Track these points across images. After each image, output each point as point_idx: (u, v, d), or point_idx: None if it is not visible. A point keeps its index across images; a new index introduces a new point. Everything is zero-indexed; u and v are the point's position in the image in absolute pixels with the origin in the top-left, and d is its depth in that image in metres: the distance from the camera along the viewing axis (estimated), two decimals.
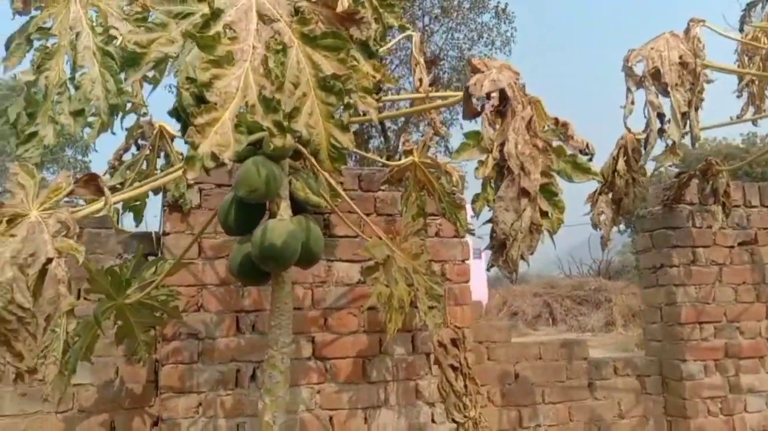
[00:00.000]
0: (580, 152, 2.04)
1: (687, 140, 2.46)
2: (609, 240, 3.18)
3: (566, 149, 2.06)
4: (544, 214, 1.97)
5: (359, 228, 2.95)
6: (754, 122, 3.28)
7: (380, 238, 2.76)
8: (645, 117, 2.33)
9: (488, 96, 1.52)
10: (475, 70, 1.52)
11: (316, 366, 2.97)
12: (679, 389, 3.65)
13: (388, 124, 13.44)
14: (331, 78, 1.37)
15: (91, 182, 1.40)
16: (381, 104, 1.57)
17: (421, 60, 2.31)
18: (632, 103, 2.31)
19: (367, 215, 3.19)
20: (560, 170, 2.05)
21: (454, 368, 2.24)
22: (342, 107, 1.36)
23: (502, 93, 1.49)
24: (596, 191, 3.15)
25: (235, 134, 1.26)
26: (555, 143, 2.08)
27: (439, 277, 3.04)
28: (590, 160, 2.08)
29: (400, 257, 2.73)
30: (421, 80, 2.27)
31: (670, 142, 2.24)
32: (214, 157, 1.23)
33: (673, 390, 3.69)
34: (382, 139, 14.18)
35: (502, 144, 1.49)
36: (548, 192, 2.00)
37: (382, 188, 3.19)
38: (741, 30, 3.60)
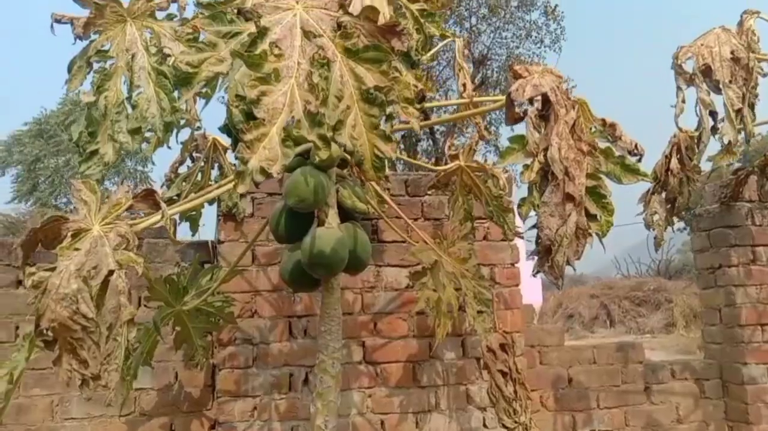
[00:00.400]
0: (629, 152, 2.02)
1: (741, 137, 2.39)
2: (662, 240, 3.11)
3: (614, 151, 2.04)
4: (592, 217, 1.96)
5: (407, 233, 2.98)
6: None
7: (426, 243, 2.78)
8: (697, 115, 2.28)
9: (531, 101, 1.52)
10: (517, 76, 1.52)
11: (367, 371, 3.01)
12: (740, 393, 3.52)
13: (436, 126, 13.43)
14: (373, 90, 1.40)
15: (148, 197, 1.47)
16: (424, 111, 1.59)
17: (464, 65, 2.32)
18: (683, 101, 2.26)
19: (415, 219, 3.23)
20: (609, 171, 2.03)
21: (503, 373, 2.23)
22: (384, 118, 1.39)
23: (545, 97, 1.49)
24: (649, 190, 3.08)
25: (282, 148, 1.31)
26: (603, 145, 2.06)
27: (488, 281, 3.04)
28: (639, 161, 2.05)
29: (447, 262, 2.74)
30: (464, 85, 2.28)
31: (725, 140, 2.18)
32: (263, 171, 1.28)
33: (734, 395, 3.57)
34: (430, 141, 14.18)
35: (546, 149, 1.49)
36: (597, 195, 1.98)
37: (429, 192, 3.20)
38: None
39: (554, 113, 1.47)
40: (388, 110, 1.39)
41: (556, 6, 13.29)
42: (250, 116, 1.33)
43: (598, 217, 1.97)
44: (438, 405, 3.06)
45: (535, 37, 13.39)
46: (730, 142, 2.15)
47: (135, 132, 1.69)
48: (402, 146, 14.45)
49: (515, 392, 2.22)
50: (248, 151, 1.28)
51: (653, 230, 3.09)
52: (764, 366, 3.54)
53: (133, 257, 1.40)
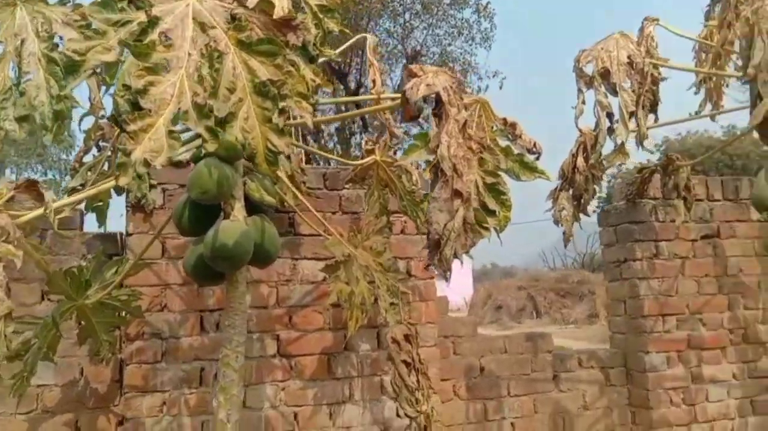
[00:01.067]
0: (528, 151, 2.10)
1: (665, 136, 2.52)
2: (571, 235, 3.24)
3: (514, 149, 2.11)
4: (491, 212, 2.02)
5: (324, 227, 2.99)
6: (712, 118, 3.34)
7: (341, 236, 2.80)
8: (595, 116, 2.39)
9: (425, 100, 1.56)
10: (412, 75, 1.56)
11: (281, 364, 3.01)
12: (642, 380, 3.72)
13: (371, 121, 13.46)
14: (267, 83, 1.40)
15: (31, 188, 1.42)
16: (329, 106, 1.59)
17: (375, 62, 2.34)
18: (583, 103, 2.36)
19: (333, 213, 3.24)
20: (508, 169, 2.10)
21: (407, 364, 2.28)
22: (278, 112, 1.39)
23: (438, 97, 1.53)
24: (557, 187, 3.20)
25: (168, 140, 1.29)
26: (503, 143, 2.13)
27: (402, 274, 3.09)
28: (537, 159, 2.13)
29: (362, 255, 2.77)
30: (374, 81, 2.30)
31: (618, 141, 2.29)
32: (146, 163, 1.26)
33: (637, 382, 3.77)
34: (364, 136, 14.19)
35: (437, 146, 1.53)
36: (496, 191, 2.05)
37: (347, 186, 3.22)
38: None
39: (445, 112, 1.52)
40: (282, 104, 1.39)
41: (487, 4, 13.54)
42: (136, 106, 1.30)
43: (497, 212, 2.04)
44: (352, 396, 3.09)
45: (467, 35, 13.60)
46: (623, 142, 2.26)
47: (23, 120, 1.62)
48: (336, 140, 14.41)
49: (418, 382, 2.28)
50: (132, 142, 1.26)
51: (562, 225, 3.22)
52: (664, 355, 3.75)
53: (11, 251, 1.35)
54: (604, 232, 4.09)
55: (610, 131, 2.33)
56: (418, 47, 13.64)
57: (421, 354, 3.22)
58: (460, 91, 1.56)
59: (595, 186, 3.21)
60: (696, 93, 3.30)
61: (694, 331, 3.83)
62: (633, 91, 2.29)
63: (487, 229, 2.03)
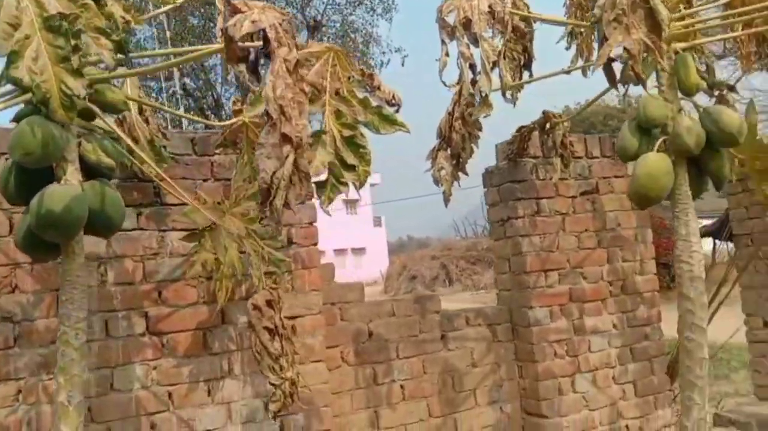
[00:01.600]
0: (387, 103, 2.02)
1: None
2: (450, 195, 3.22)
3: (372, 101, 2.03)
4: (350, 167, 1.94)
5: (195, 195, 2.81)
6: (583, 72, 3.40)
7: (206, 203, 2.64)
8: (458, 68, 2.34)
9: (252, 37, 1.43)
10: (236, 11, 1.43)
11: (151, 342, 2.83)
12: (527, 335, 3.81)
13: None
14: (58, 18, 1.23)
15: None
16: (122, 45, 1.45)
17: (223, 8, 2.17)
18: (447, 55, 2.31)
19: (204, 180, 3.07)
20: (368, 122, 2.01)
21: (269, 330, 2.18)
22: (72, 50, 1.23)
23: (264, 35, 1.41)
24: (435, 147, 3.17)
25: None
26: (361, 95, 2.04)
27: (280, 241, 2.98)
28: (397, 111, 2.06)
29: (231, 223, 2.63)
30: (222, 30, 2.14)
31: (481, 93, 2.26)
32: None
33: (522, 336, 3.86)
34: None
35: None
36: (354, 144, 1.96)
37: (218, 151, 3.05)
38: None
39: (272, 51, 1.40)
40: (75, 41, 1.23)
41: None
42: None
43: (356, 167, 1.96)
44: (231, 371, 2.97)
45: (367, 5, 13.45)
46: (486, 94, 2.23)
47: None
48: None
49: (282, 348, 2.19)
50: None
51: (441, 185, 3.19)
52: (547, 309, 3.85)
53: None
54: (489, 192, 4.12)
55: (474, 82, 2.29)
56: (319, 17, 13.36)
57: (306, 321, 3.14)
58: (293, 30, 1.45)
59: (472, 145, 3.20)
60: (567, 48, 3.34)
61: (575, 284, 3.96)
62: (494, 40, 2.25)
63: (345, 184, 1.95)
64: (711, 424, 2.53)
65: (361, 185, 1.97)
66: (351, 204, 44.08)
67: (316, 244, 3.25)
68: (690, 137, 2.44)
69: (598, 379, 3.92)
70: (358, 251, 43.21)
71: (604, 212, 4.11)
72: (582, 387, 3.86)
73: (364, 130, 2.00)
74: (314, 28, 13.22)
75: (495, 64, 2.22)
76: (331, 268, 3.44)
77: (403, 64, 14.13)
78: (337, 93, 1.92)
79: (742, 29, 3.32)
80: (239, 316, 3.02)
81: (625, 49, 1.89)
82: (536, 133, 3.76)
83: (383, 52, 13.79)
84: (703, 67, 3.42)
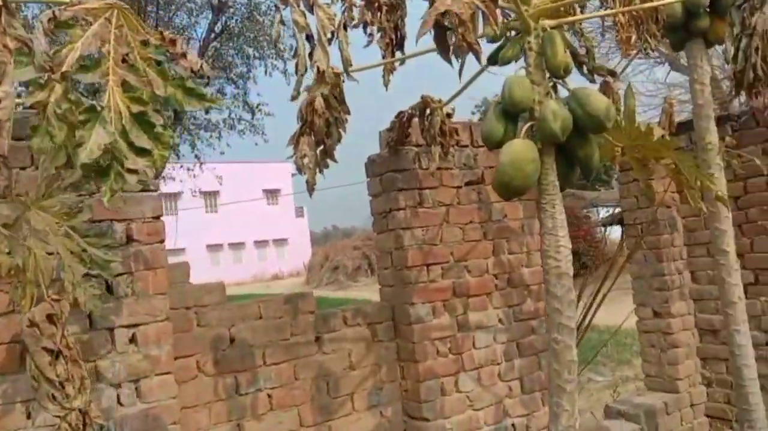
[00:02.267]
0: (194, 73, 1.69)
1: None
2: (315, 184, 2.93)
3: (170, 72, 1.69)
4: (142, 151, 1.60)
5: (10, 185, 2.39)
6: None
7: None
8: (296, 39, 2.04)
9: None
10: None
11: None
12: (408, 333, 3.59)
13: None
14: None
15: None
16: None
17: None
18: (281, 23, 2.00)
19: (23, 169, 2.64)
20: (168, 96, 1.68)
21: (49, 351, 1.83)
22: None
23: None
24: (296, 132, 2.87)
25: None
26: (162, 63, 1.71)
27: (111, 238, 2.60)
28: (207, 85, 1.74)
29: (38, 218, 2.23)
30: None
31: (318, 69, 1.97)
32: None
33: (404, 335, 3.63)
34: None
35: None
36: (146, 123, 1.63)
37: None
38: None
39: None
40: None
41: None
42: None
43: (150, 151, 1.63)
44: None
45: None
46: (322, 71, 1.94)
47: None
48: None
49: (67, 372, 1.83)
50: None
51: (304, 173, 2.90)
52: (430, 305, 3.63)
53: None
54: (371, 182, 3.86)
55: (311, 56, 1.99)
56: None
57: (149, 330, 2.78)
58: None
59: (339, 130, 2.92)
60: None
61: (459, 278, 3.77)
62: (331, 8, 1.96)
63: (135, 172, 1.61)
64: None
65: (158, 173, 1.64)
66: (272, 194, 43.21)
67: (162, 241, 2.88)
68: (555, 122, 2.25)
69: (483, 377, 3.75)
70: (280, 242, 42.40)
71: (490, 203, 3.93)
72: (466, 386, 3.68)
73: None
74: (219, 10, 12.58)
75: (334, 35, 1.93)
76: (186, 267, 3.08)
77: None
78: (124, 60, 1.58)
79: (623, 13, 3.19)
80: (69, 325, 2.62)
81: (454, 14, 1.64)
82: (417, 120, 3.52)
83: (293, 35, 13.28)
84: (582, 50, 3.29)
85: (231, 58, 12.57)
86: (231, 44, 13.13)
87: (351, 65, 2.08)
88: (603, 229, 17.25)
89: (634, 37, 3.40)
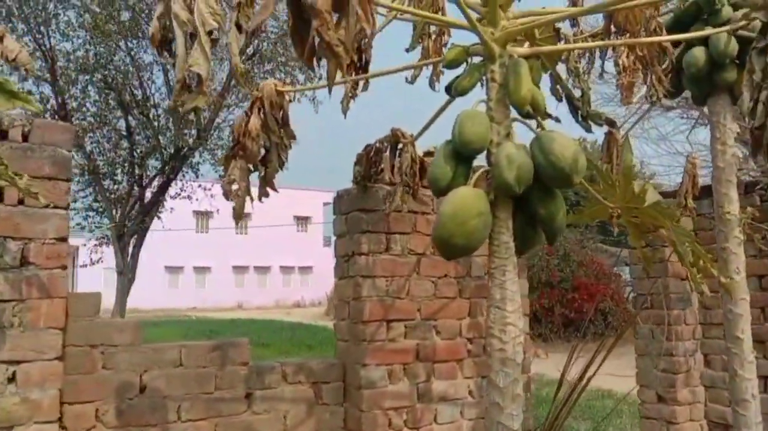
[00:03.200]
0: (8, 61, 1.31)
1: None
2: (242, 213, 2.52)
3: None
4: None
5: None
6: (431, 84, 2.76)
7: None
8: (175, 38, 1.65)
9: None
10: None
11: None
12: (357, 398, 3.11)
13: None
14: None
15: None
16: None
17: None
18: (160, 18, 1.62)
19: None
20: None
21: None
22: None
23: None
24: (227, 153, 2.48)
25: None
26: None
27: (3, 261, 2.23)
28: (25, 79, 1.34)
29: None
30: None
31: (195, 74, 1.57)
32: None
33: (353, 399, 3.16)
34: None
35: None
36: None
37: None
38: None
39: None
40: None
41: None
42: None
43: None
44: None
45: None
46: (200, 77, 1.54)
47: None
48: None
49: None
50: None
51: (232, 200, 2.50)
52: (386, 368, 3.16)
53: None
54: (337, 220, 3.44)
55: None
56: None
57: (33, 369, 2.38)
58: None
59: (281, 157, 2.52)
60: (408, 49, 2.70)
61: (425, 340, 3.28)
62: (216, 2, 1.57)
63: None
64: None
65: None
66: (302, 221, 43.05)
67: (64, 267, 2.50)
68: (510, 170, 1.80)
69: None
70: (306, 269, 42.05)
71: (470, 256, 3.46)
72: None
73: None
74: (252, 33, 12.46)
75: (212, 34, 1.53)
76: (95, 299, 2.68)
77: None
78: None
79: (627, 54, 2.74)
80: None
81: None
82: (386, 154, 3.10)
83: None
84: (577, 92, 2.84)
85: (260, 81, 12.44)
86: (262, 67, 13.05)
87: (242, 74, 1.67)
88: (631, 289, 16.45)
89: (638, 87, 2.94)
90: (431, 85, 2.69)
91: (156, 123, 12.48)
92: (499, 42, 1.95)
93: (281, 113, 2.43)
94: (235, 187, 2.44)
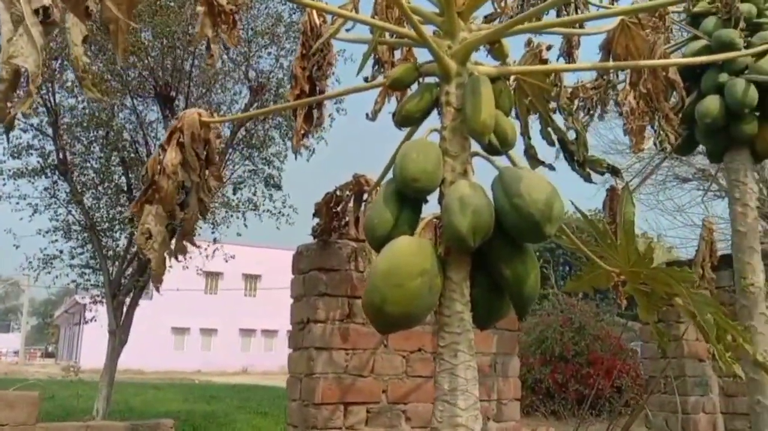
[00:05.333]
0: None
1: None
2: (162, 272, 2.08)
3: None
4: None
5: None
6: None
7: None
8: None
9: None
10: None
11: None
12: None
13: None
14: None
15: None
16: None
17: None
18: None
19: None
20: None
21: None
22: None
23: None
24: (139, 197, 2.06)
25: None
26: None
27: None
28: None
29: None
30: None
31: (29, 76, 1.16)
32: None
33: None
34: None
35: None
36: None
37: None
38: None
39: None
40: None
41: None
42: None
43: None
44: None
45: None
46: (35, 76, 1.13)
47: None
48: None
49: None
50: None
51: (147, 256, 2.06)
52: None
53: None
54: (295, 280, 2.98)
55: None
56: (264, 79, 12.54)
57: None
58: None
59: (203, 200, 2.09)
60: (367, 79, 2.30)
61: (392, 428, 2.76)
62: None
63: None
64: None
65: None
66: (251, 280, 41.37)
67: None
68: (463, 216, 1.35)
69: None
70: (270, 333, 40.18)
71: None
72: None
73: None
74: (256, 91, 12.36)
75: (52, 15, 1.13)
76: None
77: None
78: None
79: (629, 90, 2.33)
80: None
81: None
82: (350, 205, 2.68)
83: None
84: (571, 135, 2.41)
85: (262, 137, 12.24)
86: (265, 124, 12.86)
87: (85, 71, 1.26)
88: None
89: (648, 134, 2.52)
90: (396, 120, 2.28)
91: None
92: (456, 58, 1.54)
93: (205, 147, 2.03)
94: (150, 240, 2.01)
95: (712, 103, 2.87)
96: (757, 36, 2.88)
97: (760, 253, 2.81)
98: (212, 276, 36.12)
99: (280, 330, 40.28)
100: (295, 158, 2.29)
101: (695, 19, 3.03)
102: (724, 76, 2.88)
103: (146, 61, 11.47)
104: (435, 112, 1.66)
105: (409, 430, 2.78)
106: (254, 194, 12.44)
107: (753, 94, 2.77)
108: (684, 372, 3.63)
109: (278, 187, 12.51)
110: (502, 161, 1.63)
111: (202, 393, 17.13)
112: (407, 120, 1.60)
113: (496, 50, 1.65)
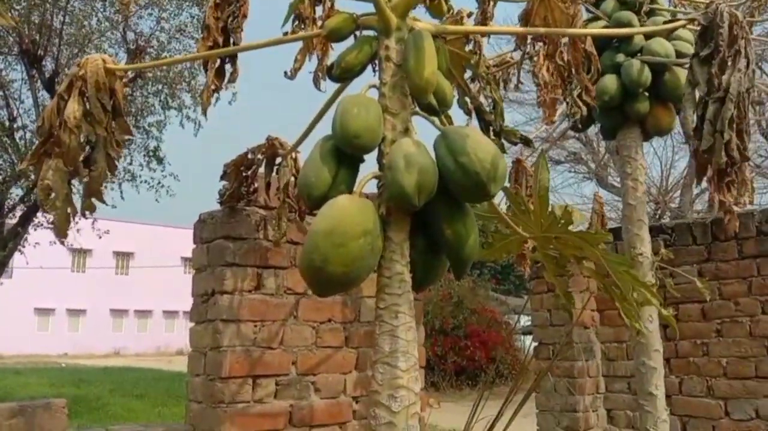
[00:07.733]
0: None
1: None
2: (66, 231, 1.87)
3: None
4: None
5: None
6: (316, 82, 2.28)
7: None
8: None
9: None
10: None
11: None
12: None
13: None
14: None
15: None
16: None
17: None
18: None
19: None
20: None
21: None
22: None
23: None
24: (35, 149, 1.84)
25: None
26: None
27: None
28: None
29: None
30: None
31: None
32: None
33: None
34: None
35: None
36: None
37: None
38: None
39: None
40: None
41: None
42: None
43: None
44: None
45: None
46: None
47: None
48: None
49: None
50: None
51: (49, 213, 1.86)
52: None
53: None
54: (197, 250, 2.82)
55: None
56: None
57: None
58: None
59: (111, 156, 1.90)
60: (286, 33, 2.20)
61: (301, 400, 2.70)
62: None
63: None
64: None
65: None
66: (190, 263, 40.41)
67: None
68: (408, 174, 1.31)
69: None
70: (143, 313, 38.74)
71: (360, 297, 2.95)
72: None
73: None
74: (135, 54, 11.56)
75: None
76: None
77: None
78: None
79: (544, 62, 2.38)
80: None
81: None
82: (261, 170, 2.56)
83: None
84: (488, 104, 2.45)
85: (140, 104, 11.49)
86: (144, 91, 12.11)
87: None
88: (522, 338, 16.52)
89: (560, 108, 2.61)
90: (315, 82, 2.19)
91: (23, 147, 11.18)
92: (397, 10, 1.48)
93: (111, 98, 1.84)
94: (52, 194, 1.80)
95: (610, 82, 3.02)
96: (651, 20, 3.07)
97: (648, 225, 3.02)
98: (80, 253, 33.89)
99: (154, 310, 38.71)
100: (205, 117, 2.12)
101: (597, 2, 3.18)
102: (621, 57, 3.05)
103: (10, 14, 10.38)
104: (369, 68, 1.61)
105: (318, 401, 2.74)
106: (130, 164, 11.71)
107: (647, 74, 2.95)
108: (571, 339, 3.85)
109: (159, 160, 11.84)
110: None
111: (70, 377, 16.07)
112: (347, 72, 1.53)
113: (434, 7, 1.62)
